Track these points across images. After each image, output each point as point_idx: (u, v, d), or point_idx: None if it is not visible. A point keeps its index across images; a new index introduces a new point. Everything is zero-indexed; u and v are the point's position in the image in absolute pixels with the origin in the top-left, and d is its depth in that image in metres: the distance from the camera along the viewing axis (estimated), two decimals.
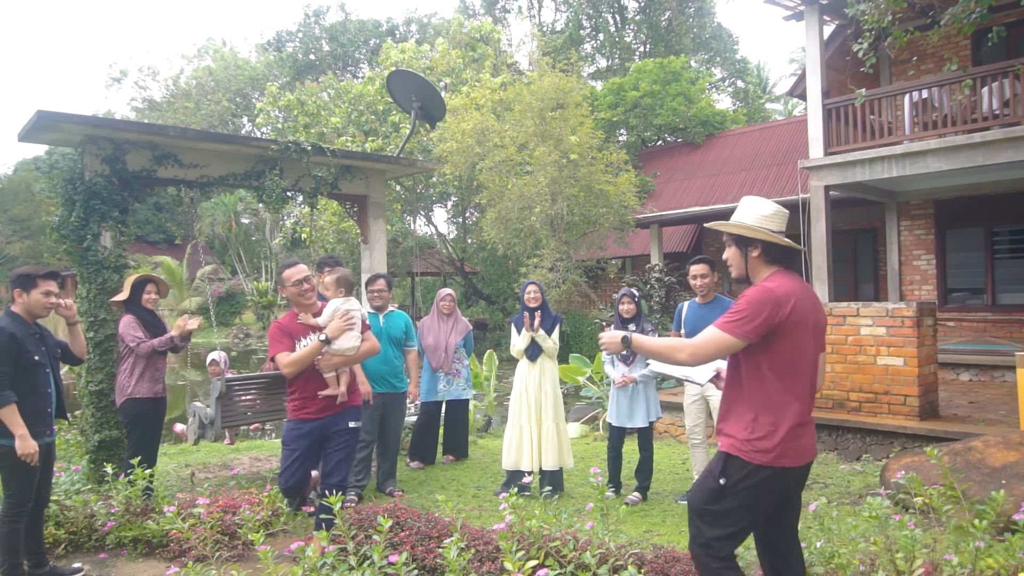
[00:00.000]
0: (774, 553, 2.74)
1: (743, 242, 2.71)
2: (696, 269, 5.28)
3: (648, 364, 5.52)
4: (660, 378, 5.76)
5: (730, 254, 2.77)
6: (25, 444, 3.77)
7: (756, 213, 2.70)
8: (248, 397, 5.93)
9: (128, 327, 5.11)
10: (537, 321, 5.53)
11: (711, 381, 3.06)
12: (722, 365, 2.94)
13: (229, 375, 6.01)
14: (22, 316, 3.96)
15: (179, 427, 6.92)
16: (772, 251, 2.68)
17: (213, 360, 6.23)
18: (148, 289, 5.28)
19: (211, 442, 6.33)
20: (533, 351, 5.61)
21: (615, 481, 5.65)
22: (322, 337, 3.94)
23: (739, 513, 2.59)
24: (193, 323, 5.26)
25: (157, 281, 5.40)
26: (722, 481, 2.60)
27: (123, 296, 5.22)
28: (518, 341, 5.64)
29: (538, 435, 5.54)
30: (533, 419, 5.56)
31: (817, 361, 2.70)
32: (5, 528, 3.86)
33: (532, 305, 5.63)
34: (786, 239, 2.68)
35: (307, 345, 3.97)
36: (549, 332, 5.60)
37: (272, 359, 4.02)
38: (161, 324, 5.41)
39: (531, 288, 5.71)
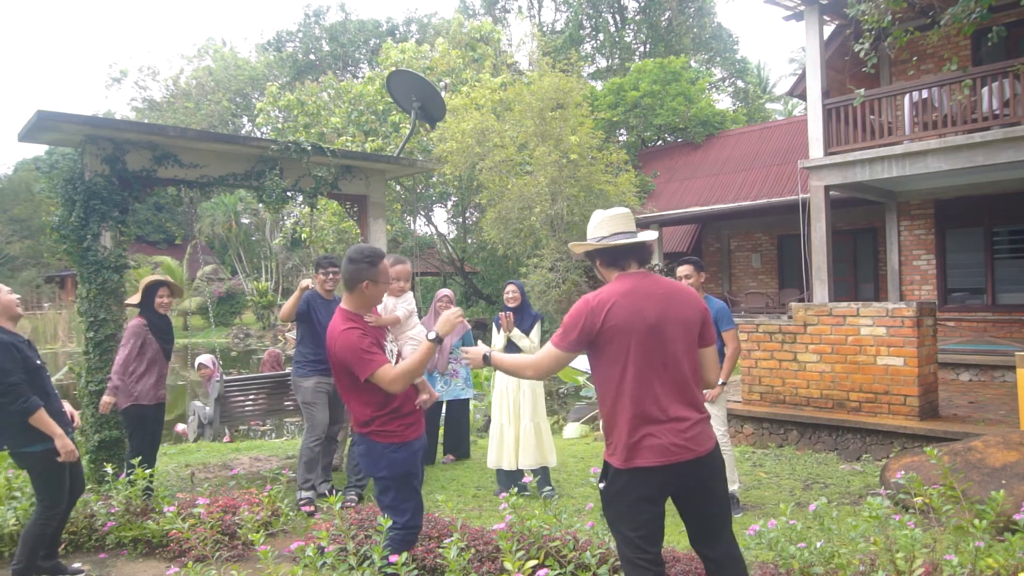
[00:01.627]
0: (708, 562, 2.71)
1: (591, 258, 2.82)
2: (681, 270, 5.28)
3: None
4: None
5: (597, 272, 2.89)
6: (65, 443, 3.84)
7: (590, 228, 2.79)
8: (247, 398, 5.96)
9: (133, 330, 5.12)
10: (510, 320, 5.52)
11: None
12: None
13: (223, 375, 6.04)
14: (4, 325, 3.90)
15: (180, 427, 6.98)
16: (606, 257, 2.73)
17: (201, 364, 6.26)
18: (161, 292, 5.26)
19: (210, 441, 6.35)
20: (510, 350, 5.58)
21: None
22: (431, 336, 3.13)
23: (625, 516, 2.59)
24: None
25: (170, 284, 5.36)
26: (601, 486, 2.67)
27: (135, 300, 5.22)
28: (496, 340, 5.65)
29: (517, 434, 5.54)
30: (512, 418, 5.56)
31: (667, 358, 2.58)
32: (36, 530, 3.88)
33: (511, 305, 5.64)
34: (614, 241, 2.69)
35: (392, 352, 3.41)
36: (528, 331, 5.57)
37: (366, 379, 3.11)
38: (170, 328, 5.42)
39: (509, 288, 5.74)
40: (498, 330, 5.64)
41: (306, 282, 5.41)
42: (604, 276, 2.80)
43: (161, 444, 5.84)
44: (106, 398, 5.10)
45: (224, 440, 7.42)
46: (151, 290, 5.22)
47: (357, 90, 19.75)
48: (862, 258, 14.79)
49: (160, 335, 5.23)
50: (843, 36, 11.06)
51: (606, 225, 2.74)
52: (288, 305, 5.43)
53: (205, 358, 6.38)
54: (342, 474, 5.99)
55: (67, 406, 4.33)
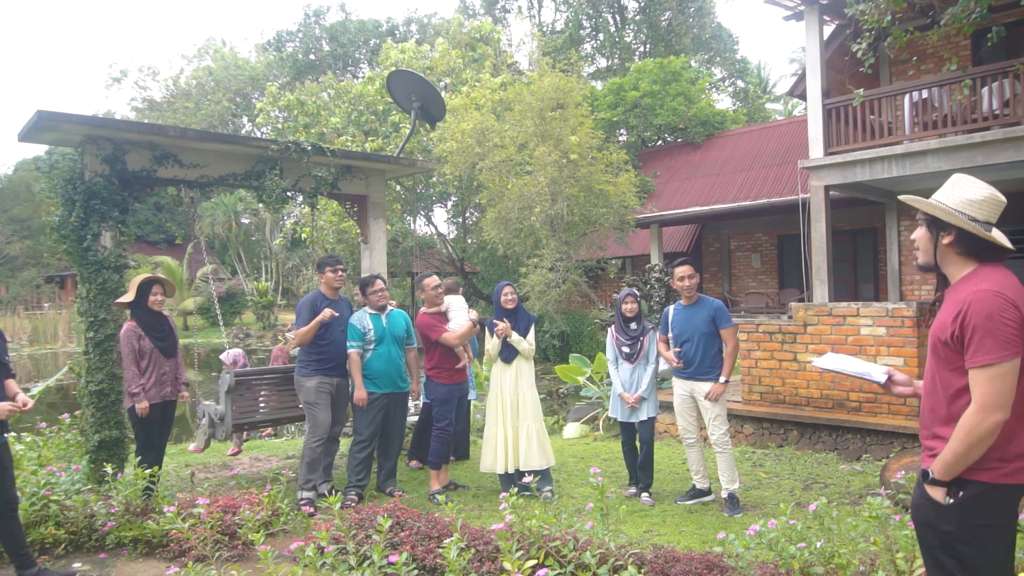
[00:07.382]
0: None
1: (941, 228, 2.28)
2: (681, 271, 5.25)
3: (652, 366, 5.52)
4: (660, 377, 5.77)
5: (918, 236, 2.38)
6: None
7: (969, 197, 2.24)
8: (259, 394, 5.91)
9: (125, 338, 5.13)
10: (507, 326, 5.48)
11: (883, 385, 2.63)
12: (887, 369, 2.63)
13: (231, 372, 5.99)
14: None
15: (192, 447, 6.86)
16: (976, 245, 2.23)
17: (222, 361, 6.23)
18: (154, 291, 5.26)
19: (221, 441, 6.22)
20: (508, 353, 5.56)
21: (635, 476, 5.63)
22: (473, 317, 5.87)
23: (983, 540, 2.19)
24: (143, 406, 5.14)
25: (163, 282, 5.37)
26: (949, 501, 2.20)
27: (129, 298, 5.21)
28: (491, 345, 5.60)
29: (515, 437, 5.52)
30: (509, 421, 5.53)
31: None
32: None
33: (509, 307, 5.58)
34: (1002, 239, 2.22)
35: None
36: (524, 334, 5.55)
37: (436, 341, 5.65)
38: (168, 327, 5.41)
39: (507, 289, 5.64)
40: (491, 335, 5.61)
41: (328, 312, 5.37)
42: (946, 255, 2.29)
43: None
44: (138, 406, 5.10)
45: (231, 453, 7.29)
46: (145, 288, 5.21)
47: (357, 90, 19.75)
48: (862, 258, 14.81)
49: (154, 334, 5.22)
50: (843, 36, 11.08)
51: (995, 210, 2.26)
52: (308, 331, 5.34)
53: (227, 355, 6.29)
54: (342, 473, 5.99)
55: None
